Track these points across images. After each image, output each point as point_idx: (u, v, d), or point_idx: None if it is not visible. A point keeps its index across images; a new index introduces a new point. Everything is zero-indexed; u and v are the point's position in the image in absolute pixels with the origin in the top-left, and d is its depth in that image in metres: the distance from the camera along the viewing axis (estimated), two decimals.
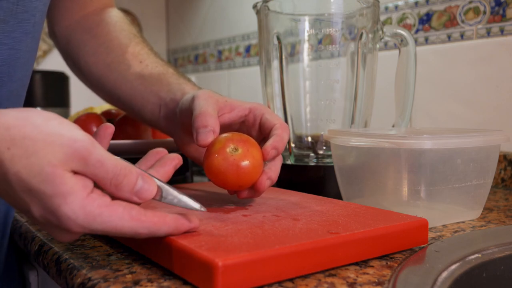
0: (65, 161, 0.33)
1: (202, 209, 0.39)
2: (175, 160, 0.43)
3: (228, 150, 0.46)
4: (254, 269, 0.33)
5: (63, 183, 0.32)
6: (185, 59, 1.74)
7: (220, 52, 1.55)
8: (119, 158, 0.36)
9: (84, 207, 0.33)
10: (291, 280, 0.36)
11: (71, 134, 0.34)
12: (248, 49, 1.43)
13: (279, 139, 0.49)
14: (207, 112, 0.48)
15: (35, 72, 1.31)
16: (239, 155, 0.46)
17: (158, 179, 0.38)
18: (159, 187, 0.37)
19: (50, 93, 1.26)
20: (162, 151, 0.45)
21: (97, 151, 0.34)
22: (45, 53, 1.57)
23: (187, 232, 0.38)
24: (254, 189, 0.48)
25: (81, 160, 0.33)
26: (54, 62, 1.52)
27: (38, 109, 0.36)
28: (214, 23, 1.57)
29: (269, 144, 0.48)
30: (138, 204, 0.36)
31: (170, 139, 0.74)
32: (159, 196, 0.38)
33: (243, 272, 0.33)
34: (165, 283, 0.35)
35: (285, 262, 0.35)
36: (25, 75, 0.57)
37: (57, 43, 0.71)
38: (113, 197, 0.35)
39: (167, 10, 1.86)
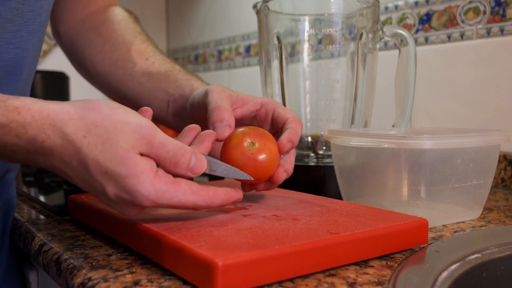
0: (135, 145, 0.37)
1: (249, 177, 0.45)
2: (212, 136, 0.46)
3: (245, 144, 0.47)
4: (254, 269, 0.33)
5: (135, 164, 0.37)
6: (185, 59, 1.74)
7: (220, 52, 1.55)
8: (174, 139, 0.40)
9: (154, 184, 0.37)
10: (291, 280, 0.36)
11: (137, 121, 0.38)
12: (248, 49, 1.43)
13: (293, 132, 0.50)
14: (222, 106, 0.49)
15: (35, 72, 1.31)
16: (256, 149, 0.46)
17: (204, 154, 0.43)
18: (208, 162, 0.42)
19: (50, 93, 1.26)
20: (196, 127, 0.48)
21: (159, 135, 0.38)
22: (45, 53, 1.57)
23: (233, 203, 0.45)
24: (271, 182, 0.49)
25: (147, 144, 0.38)
26: (54, 62, 1.52)
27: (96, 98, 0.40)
28: (214, 23, 1.57)
29: (284, 137, 0.49)
30: (191, 178, 0.40)
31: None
32: (209, 169, 0.42)
33: (243, 272, 0.33)
34: (165, 283, 0.35)
35: (285, 262, 0.35)
36: (30, 74, 0.58)
37: (61, 43, 0.72)
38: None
39: (167, 10, 1.86)
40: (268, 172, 0.48)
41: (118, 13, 0.69)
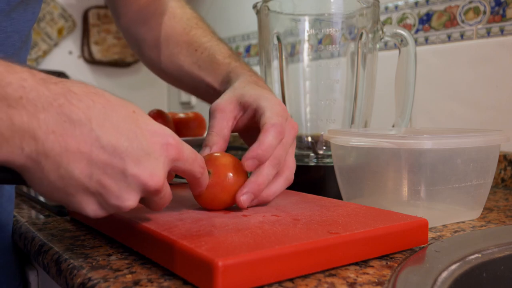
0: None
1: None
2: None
3: None
4: (254, 269, 0.33)
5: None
6: None
7: None
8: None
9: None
10: (291, 280, 0.36)
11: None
12: (248, 49, 1.43)
13: (257, 146, 0.46)
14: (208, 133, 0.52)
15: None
16: (211, 178, 0.46)
17: None
18: None
19: None
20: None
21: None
22: (45, 53, 1.57)
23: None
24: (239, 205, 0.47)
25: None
26: (54, 62, 1.52)
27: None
28: (214, 23, 1.57)
29: (245, 156, 0.46)
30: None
31: (189, 137, 0.77)
32: None
33: (243, 272, 0.33)
34: (165, 283, 0.35)
35: (285, 262, 0.35)
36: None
37: (124, 36, 0.75)
38: None
39: None
40: (231, 194, 0.46)
41: (168, 1, 0.71)
